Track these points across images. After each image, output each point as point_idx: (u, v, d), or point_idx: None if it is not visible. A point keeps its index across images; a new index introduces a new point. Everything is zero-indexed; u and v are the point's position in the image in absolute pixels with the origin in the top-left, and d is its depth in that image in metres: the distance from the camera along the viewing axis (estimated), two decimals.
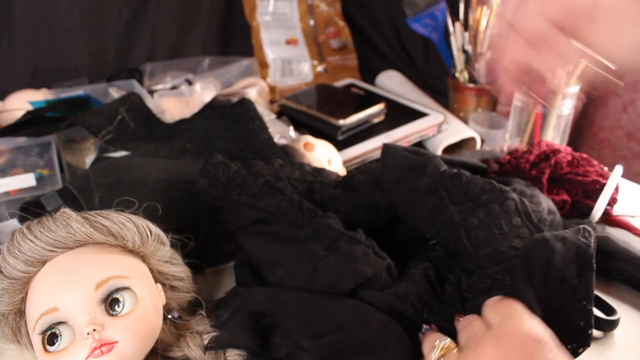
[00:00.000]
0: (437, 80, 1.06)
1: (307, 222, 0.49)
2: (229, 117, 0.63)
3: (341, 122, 0.77)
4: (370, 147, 0.76)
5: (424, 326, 0.41)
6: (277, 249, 0.47)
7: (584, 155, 0.65)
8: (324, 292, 0.44)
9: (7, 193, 0.64)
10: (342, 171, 0.68)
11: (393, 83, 0.99)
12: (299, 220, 0.49)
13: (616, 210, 0.62)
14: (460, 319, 0.40)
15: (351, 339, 0.39)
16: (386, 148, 0.55)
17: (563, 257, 0.39)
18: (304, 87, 1.03)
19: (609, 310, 0.47)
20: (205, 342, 0.41)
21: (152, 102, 0.82)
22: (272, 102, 0.97)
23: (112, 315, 0.36)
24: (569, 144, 0.77)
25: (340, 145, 0.74)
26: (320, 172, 0.59)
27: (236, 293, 0.46)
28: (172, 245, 0.44)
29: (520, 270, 0.39)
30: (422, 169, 0.51)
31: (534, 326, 0.33)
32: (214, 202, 0.52)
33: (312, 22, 1.10)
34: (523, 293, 0.38)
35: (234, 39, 1.13)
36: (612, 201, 0.61)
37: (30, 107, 0.73)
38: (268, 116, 0.77)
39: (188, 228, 0.48)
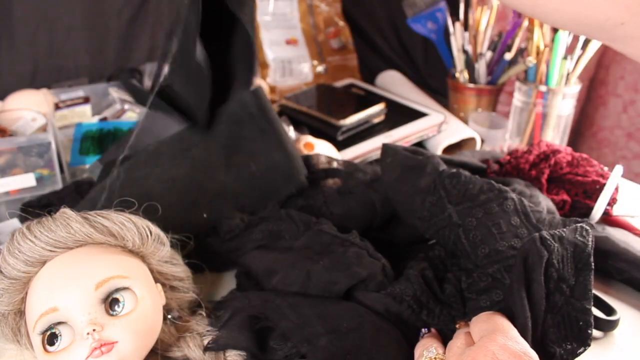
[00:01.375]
0: (437, 80, 1.06)
1: (303, 232, 0.49)
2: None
3: (341, 122, 0.77)
4: (370, 147, 0.76)
5: (423, 330, 0.41)
6: (272, 257, 0.48)
7: (584, 155, 0.65)
8: (320, 295, 0.44)
9: (7, 193, 0.64)
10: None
11: (393, 83, 0.99)
12: (294, 232, 0.50)
13: (616, 211, 0.62)
14: (460, 326, 0.40)
15: (346, 341, 0.39)
16: (386, 148, 0.55)
17: (560, 256, 0.39)
18: (304, 87, 1.03)
19: (608, 310, 0.47)
20: (205, 342, 0.41)
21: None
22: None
23: (112, 315, 0.36)
24: (569, 144, 0.77)
25: (340, 145, 0.74)
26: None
27: (234, 296, 0.46)
28: (172, 246, 0.44)
29: (517, 270, 0.39)
30: (422, 169, 0.51)
31: (506, 348, 0.32)
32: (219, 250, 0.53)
33: (312, 22, 1.10)
34: (517, 298, 0.37)
35: None
36: (612, 201, 0.61)
37: (29, 109, 0.73)
38: None
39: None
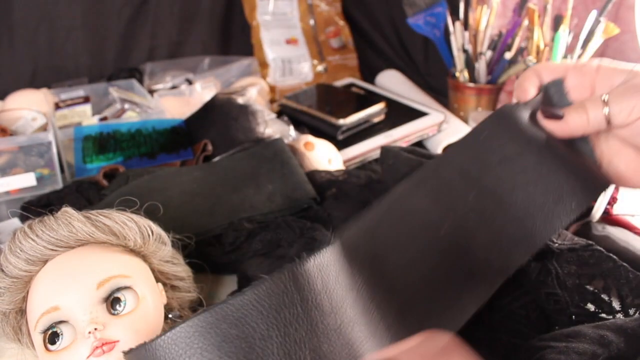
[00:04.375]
0: (437, 79, 1.06)
1: (299, 236, 0.50)
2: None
3: (341, 121, 0.77)
4: (371, 146, 0.76)
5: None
6: (266, 267, 0.48)
7: None
8: None
9: (7, 192, 0.64)
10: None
11: (393, 82, 0.99)
12: (291, 239, 0.50)
13: (616, 209, 0.62)
14: None
15: None
16: (386, 151, 0.55)
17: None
18: (304, 86, 1.03)
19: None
20: None
21: (152, 102, 0.82)
22: (272, 101, 0.97)
23: (114, 314, 0.36)
24: None
25: (341, 145, 0.74)
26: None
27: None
28: (173, 245, 0.44)
29: None
30: None
31: None
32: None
33: (312, 22, 1.10)
34: None
35: (234, 38, 1.13)
36: (612, 200, 0.61)
37: (29, 109, 0.73)
38: (268, 116, 0.77)
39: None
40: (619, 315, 0.38)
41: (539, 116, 0.38)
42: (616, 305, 0.38)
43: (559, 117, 0.37)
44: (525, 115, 0.38)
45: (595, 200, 0.38)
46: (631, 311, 0.38)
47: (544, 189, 0.35)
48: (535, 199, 0.35)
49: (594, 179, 0.37)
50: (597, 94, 0.36)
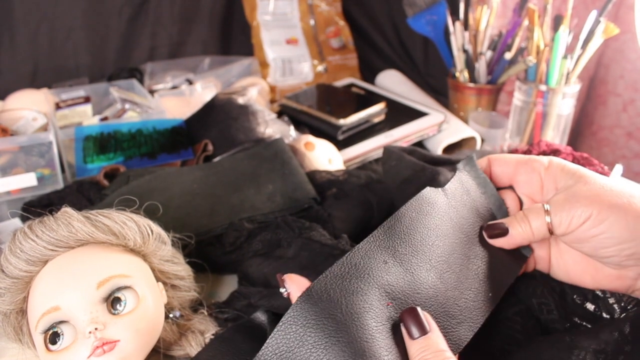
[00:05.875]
0: (437, 79, 1.06)
1: (298, 236, 0.50)
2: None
3: (341, 121, 0.77)
4: (371, 146, 0.76)
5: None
6: (266, 267, 0.48)
7: (584, 155, 0.65)
8: None
9: (8, 192, 0.64)
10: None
11: (393, 82, 0.99)
12: (289, 238, 0.50)
13: None
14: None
15: None
16: (389, 152, 0.55)
17: None
18: (304, 86, 1.03)
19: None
20: (207, 340, 0.41)
21: (152, 102, 0.82)
22: (272, 101, 0.97)
23: (114, 314, 0.36)
24: (569, 143, 0.77)
25: (341, 145, 0.74)
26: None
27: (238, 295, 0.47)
28: (173, 244, 0.45)
29: None
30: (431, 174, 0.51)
31: None
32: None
33: (312, 22, 1.10)
34: None
35: (235, 38, 1.13)
36: None
37: (29, 109, 0.73)
38: (268, 116, 0.77)
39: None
40: (615, 307, 0.38)
41: (485, 235, 0.39)
42: (611, 299, 0.38)
43: (504, 234, 0.38)
44: (441, 200, 0.39)
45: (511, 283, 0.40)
46: (625, 303, 0.38)
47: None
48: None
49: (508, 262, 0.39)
50: (538, 204, 0.38)
